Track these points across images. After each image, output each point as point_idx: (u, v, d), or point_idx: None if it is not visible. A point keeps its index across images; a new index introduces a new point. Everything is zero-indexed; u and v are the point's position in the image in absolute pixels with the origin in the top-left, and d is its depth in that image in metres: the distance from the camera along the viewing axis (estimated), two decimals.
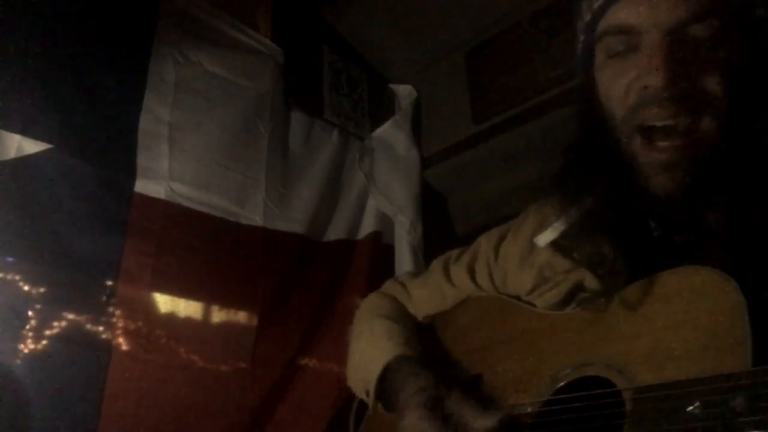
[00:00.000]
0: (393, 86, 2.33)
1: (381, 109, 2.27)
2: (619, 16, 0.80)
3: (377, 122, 2.21)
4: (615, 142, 0.83)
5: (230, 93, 1.78)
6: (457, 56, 2.20)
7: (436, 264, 1.21)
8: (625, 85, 0.80)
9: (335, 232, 1.95)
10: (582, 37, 0.89)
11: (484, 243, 1.13)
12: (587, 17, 0.86)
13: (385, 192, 2.07)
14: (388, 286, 1.28)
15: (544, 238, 0.94)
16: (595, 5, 0.83)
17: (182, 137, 1.63)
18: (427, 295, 1.18)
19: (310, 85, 2.07)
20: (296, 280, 1.80)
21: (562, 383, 0.84)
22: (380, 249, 2.02)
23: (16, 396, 1.26)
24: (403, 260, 2.01)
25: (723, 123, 0.76)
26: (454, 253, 1.20)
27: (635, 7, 0.78)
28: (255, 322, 1.66)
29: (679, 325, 0.73)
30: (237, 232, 1.69)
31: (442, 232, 2.19)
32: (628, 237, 0.83)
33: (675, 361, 0.71)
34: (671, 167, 0.77)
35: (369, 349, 1.09)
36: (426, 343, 1.10)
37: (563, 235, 0.91)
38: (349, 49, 2.22)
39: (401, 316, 1.16)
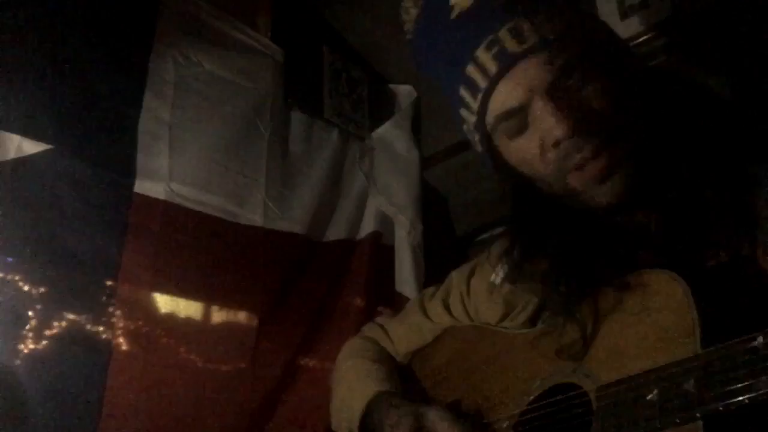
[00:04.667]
0: (393, 86, 2.33)
1: (381, 109, 2.26)
2: (499, 104, 0.87)
3: (377, 122, 2.21)
4: (549, 191, 0.90)
5: (230, 93, 1.78)
6: None
7: (413, 303, 1.28)
8: (538, 152, 0.87)
9: (335, 232, 1.95)
10: (476, 136, 0.96)
11: (456, 278, 1.20)
12: (473, 119, 0.93)
13: (385, 192, 2.07)
14: (368, 330, 1.35)
15: (498, 277, 1.04)
16: (475, 107, 0.90)
17: (182, 137, 1.63)
18: (406, 332, 1.23)
19: (310, 85, 2.07)
20: (296, 280, 1.80)
21: (534, 395, 0.90)
22: (380, 249, 2.01)
23: (16, 396, 1.26)
24: (403, 260, 2.01)
25: (636, 141, 0.83)
26: (429, 291, 1.26)
27: (509, 90, 0.86)
28: (255, 322, 1.66)
29: (633, 325, 0.79)
30: (237, 233, 1.69)
31: (442, 232, 2.19)
32: (574, 257, 0.89)
33: (633, 358, 0.76)
34: (606, 176, 0.84)
35: (350, 391, 1.13)
36: (408, 378, 1.15)
37: (516, 268, 0.98)
38: (349, 49, 2.22)
39: (381, 356, 1.21)
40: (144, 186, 1.52)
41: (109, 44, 1.54)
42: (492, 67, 0.86)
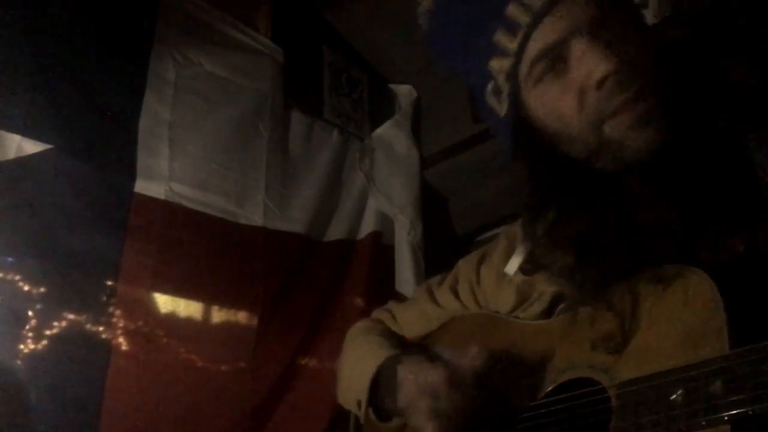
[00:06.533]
0: (393, 86, 2.33)
1: (381, 109, 2.26)
2: (541, 41, 0.83)
3: (377, 122, 2.21)
4: (579, 149, 0.86)
5: (230, 93, 1.78)
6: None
7: (420, 290, 1.24)
8: (577, 94, 0.82)
9: (335, 232, 1.95)
10: (505, 90, 0.90)
11: (464, 266, 1.16)
12: (507, 64, 0.88)
13: (385, 192, 2.07)
14: (376, 313, 1.32)
15: (512, 266, 0.98)
16: (513, 47, 0.86)
17: (182, 137, 1.63)
18: (414, 317, 1.20)
19: (310, 85, 2.07)
20: (296, 280, 1.80)
21: (548, 388, 0.86)
22: (380, 249, 2.01)
23: (16, 396, 1.26)
24: (403, 260, 2.01)
25: (672, 95, 0.80)
26: (436, 278, 1.22)
27: (552, 26, 0.82)
28: (255, 322, 1.66)
29: (656, 321, 0.75)
30: (237, 232, 1.69)
31: (442, 232, 2.19)
32: (592, 245, 0.85)
33: (655, 355, 0.73)
34: (642, 122, 0.79)
35: (359, 363, 1.10)
36: None
37: (533, 254, 0.94)
38: (349, 49, 2.22)
39: (390, 333, 1.18)
40: (144, 186, 1.52)
41: (109, 44, 1.54)
42: (536, 3, 0.84)
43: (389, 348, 1.07)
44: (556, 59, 0.83)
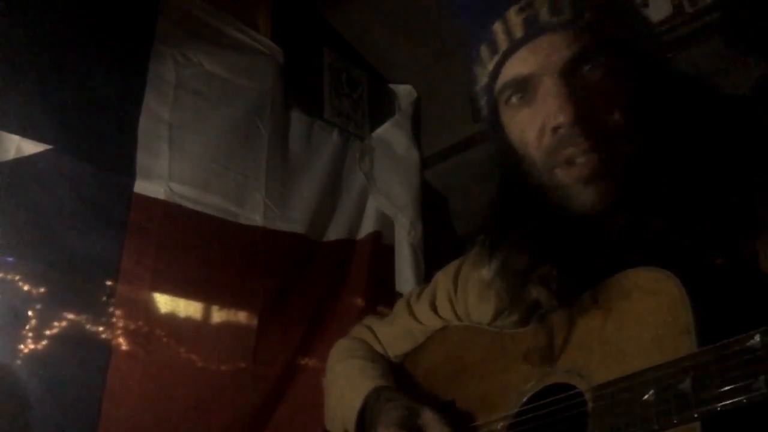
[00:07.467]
0: (393, 86, 2.33)
1: (381, 109, 2.26)
2: (513, 70, 0.85)
3: (377, 122, 2.21)
4: (537, 181, 0.87)
5: (230, 93, 1.78)
6: (457, 56, 2.20)
7: (400, 305, 1.24)
8: (538, 129, 0.84)
9: (335, 232, 1.96)
10: (484, 99, 0.93)
11: (443, 278, 1.17)
12: (484, 81, 0.91)
13: (385, 192, 2.07)
14: (356, 331, 1.33)
15: (487, 272, 0.99)
16: (490, 67, 0.88)
17: (182, 137, 1.63)
18: (395, 335, 1.21)
19: (310, 85, 2.07)
20: (296, 280, 1.80)
21: (528, 395, 0.88)
22: (380, 249, 2.02)
23: (16, 396, 1.26)
24: (403, 260, 2.01)
25: (636, 148, 0.80)
26: (415, 291, 1.24)
27: (526, 58, 0.83)
28: (255, 322, 1.66)
29: (628, 324, 0.77)
30: (237, 232, 1.69)
31: (442, 232, 2.19)
32: (565, 254, 0.86)
33: (628, 357, 0.75)
34: (592, 179, 0.81)
35: (345, 390, 1.11)
36: (401, 379, 1.12)
37: (508, 263, 0.94)
38: (349, 49, 2.22)
39: (373, 355, 1.19)
40: (143, 186, 1.53)
41: (109, 44, 1.54)
42: (518, 32, 0.84)
43: (375, 377, 1.08)
44: (526, 88, 0.84)
